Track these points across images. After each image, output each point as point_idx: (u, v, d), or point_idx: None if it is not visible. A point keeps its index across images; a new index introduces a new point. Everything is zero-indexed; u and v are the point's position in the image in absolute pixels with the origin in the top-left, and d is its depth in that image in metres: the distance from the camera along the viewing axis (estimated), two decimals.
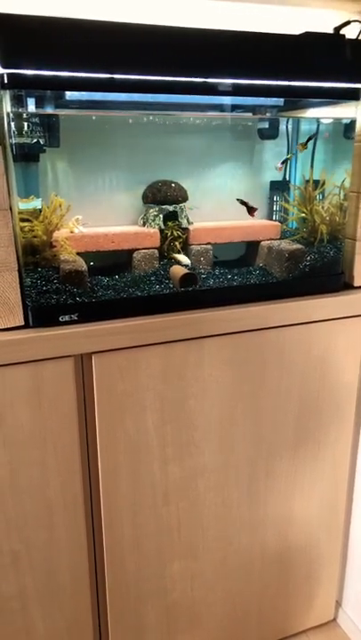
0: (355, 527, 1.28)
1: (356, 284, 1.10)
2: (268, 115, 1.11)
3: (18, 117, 0.85)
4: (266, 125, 1.13)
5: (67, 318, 0.89)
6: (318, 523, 1.23)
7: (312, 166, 1.14)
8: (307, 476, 1.17)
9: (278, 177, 1.19)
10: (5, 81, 0.77)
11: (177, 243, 1.06)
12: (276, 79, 0.90)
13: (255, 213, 1.06)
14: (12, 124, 0.84)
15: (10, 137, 0.84)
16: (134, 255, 1.03)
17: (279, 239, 1.13)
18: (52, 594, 1.00)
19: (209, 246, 1.08)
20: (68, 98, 0.89)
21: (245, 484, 1.11)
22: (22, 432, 0.88)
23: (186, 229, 1.08)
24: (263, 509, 1.15)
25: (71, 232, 0.96)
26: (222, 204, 1.12)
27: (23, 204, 0.88)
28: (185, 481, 1.04)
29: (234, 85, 0.89)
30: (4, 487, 0.90)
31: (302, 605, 1.31)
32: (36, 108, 0.88)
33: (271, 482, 1.13)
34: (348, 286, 1.10)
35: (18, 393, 0.86)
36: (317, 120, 1.13)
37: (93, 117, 1.00)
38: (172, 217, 1.06)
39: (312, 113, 1.11)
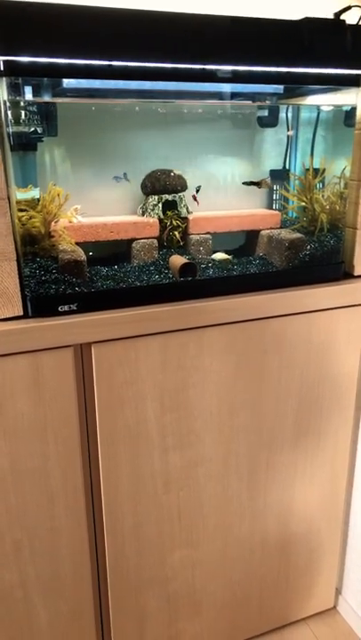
0: (355, 516, 1.29)
1: (356, 273, 1.09)
2: (267, 102, 1.10)
3: (15, 106, 0.84)
4: (265, 113, 1.12)
5: (66, 308, 0.88)
6: (319, 511, 1.24)
7: (312, 154, 1.13)
8: (307, 465, 1.17)
9: (278, 165, 1.18)
10: (2, 68, 0.76)
11: (176, 232, 1.06)
12: (276, 65, 0.89)
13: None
14: (9, 112, 0.83)
15: (7, 126, 0.83)
16: (133, 245, 1.02)
17: (279, 228, 1.12)
18: (53, 582, 1.01)
19: (208, 235, 1.07)
20: (65, 86, 0.88)
21: (246, 473, 1.11)
22: (22, 422, 0.88)
23: (185, 219, 1.07)
24: (263, 498, 1.15)
25: (70, 222, 0.96)
26: (222, 192, 1.12)
27: (21, 194, 0.88)
28: (185, 470, 1.04)
29: (233, 72, 0.88)
30: (6, 477, 0.90)
31: (303, 593, 1.31)
32: (34, 96, 0.87)
33: (272, 471, 1.14)
34: (348, 275, 1.10)
35: (17, 383, 0.86)
36: (317, 107, 1.12)
37: (92, 106, 0.99)
38: (171, 206, 1.06)
39: (312, 100, 1.10)
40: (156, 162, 1.06)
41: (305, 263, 1.06)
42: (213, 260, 1.04)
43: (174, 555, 1.10)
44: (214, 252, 1.08)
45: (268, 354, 1.03)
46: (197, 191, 1.03)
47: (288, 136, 1.15)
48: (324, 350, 1.09)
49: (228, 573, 1.19)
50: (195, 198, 1.04)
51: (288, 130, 1.15)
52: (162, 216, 1.05)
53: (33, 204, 0.89)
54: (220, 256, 1.03)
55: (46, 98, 0.90)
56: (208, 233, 1.07)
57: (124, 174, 1.01)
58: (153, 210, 1.05)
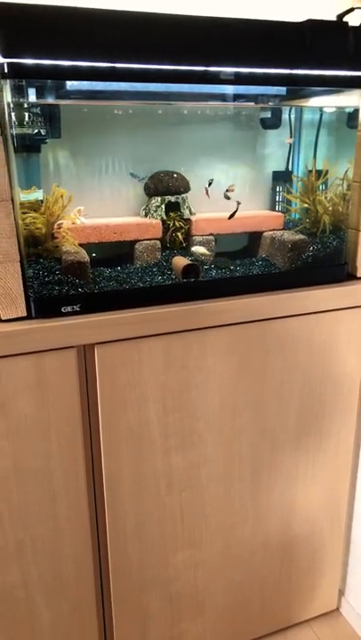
0: (357, 517, 1.29)
1: (359, 274, 1.09)
2: (270, 104, 1.10)
3: (18, 107, 0.85)
4: (268, 115, 1.12)
5: (69, 309, 0.89)
6: (321, 513, 1.24)
7: (315, 156, 1.13)
8: (309, 466, 1.17)
9: (281, 167, 1.18)
10: (6, 70, 0.76)
11: (179, 233, 1.06)
12: (278, 67, 0.89)
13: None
14: (13, 114, 0.83)
15: (11, 127, 0.83)
16: (136, 246, 1.03)
17: (282, 230, 1.12)
18: (56, 582, 1.01)
19: (211, 237, 1.07)
20: (69, 88, 0.89)
21: (248, 474, 1.11)
22: (26, 423, 0.89)
23: (188, 220, 1.07)
24: (266, 499, 1.15)
25: (73, 223, 0.96)
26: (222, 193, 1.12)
27: (24, 195, 0.88)
28: (188, 471, 1.04)
29: (235, 74, 0.88)
30: (9, 478, 0.91)
31: (305, 595, 1.31)
32: (37, 97, 0.87)
33: (274, 472, 1.14)
34: (351, 277, 1.10)
35: (21, 384, 0.86)
36: (320, 109, 1.13)
37: (95, 108, 0.99)
38: (174, 207, 1.06)
39: (315, 102, 1.10)
40: (159, 163, 1.06)
41: (308, 264, 1.06)
42: (194, 252, 1.04)
43: (177, 555, 1.10)
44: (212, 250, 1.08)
45: (270, 355, 1.03)
46: (210, 184, 1.03)
47: (290, 144, 1.15)
48: (327, 351, 1.09)
49: (231, 574, 1.19)
50: (207, 191, 1.04)
51: (290, 135, 1.15)
52: (165, 217, 1.05)
53: (36, 205, 0.90)
54: (200, 250, 1.03)
55: (50, 100, 0.90)
56: (211, 234, 1.08)
57: (131, 173, 1.01)
58: (156, 211, 1.05)
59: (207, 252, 1.03)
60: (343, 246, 1.08)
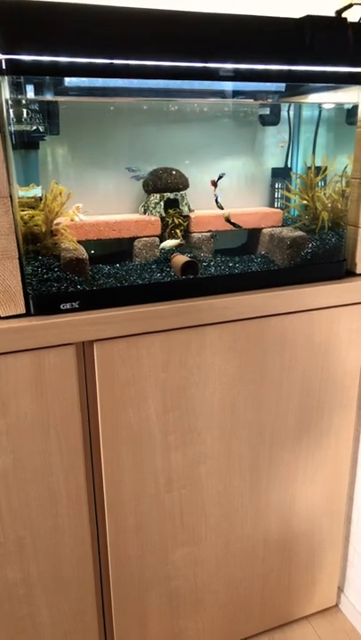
0: (357, 514, 1.29)
1: (358, 271, 1.09)
2: (269, 100, 1.10)
3: (17, 104, 0.84)
4: (267, 112, 1.12)
5: (68, 306, 0.89)
6: (321, 509, 1.24)
7: (314, 153, 1.13)
8: (309, 463, 1.17)
9: (280, 164, 1.18)
10: (4, 67, 0.76)
11: (178, 230, 1.06)
12: (277, 63, 0.89)
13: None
14: (11, 111, 0.83)
15: (9, 124, 0.83)
16: (135, 243, 1.03)
17: (281, 226, 1.12)
18: (56, 581, 1.01)
19: (209, 233, 1.07)
20: (67, 84, 0.88)
21: (247, 471, 1.11)
22: (25, 420, 0.89)
23: (187, 217, 1.07)
24: (265, 496, 1.15)
25: (72, 220, 0.96)
26: (224, 191, 1.12)
27: (23, 192, 0.88)
28: (187, 468, 1.04)
29: (234, 70, 0.88)
30: (8, 476, 0.91)
31: (305, 591, 1.32)
32: (36, 94, 0.87)
33: (274, 469, 1.14)
34: (350, 273, 1.10)
35: (20, 381, 0.86)
36: (319, 106, 1.12)
37: (93, 104, 0.99)
38: (173, 204, 1.06)
39: (314, 98, 1.10)
40: (158, 160, 1.06)
41: (307, 261, 1.06)
42: (164, 248, 1.03)
43: (176, 553, 1.10)
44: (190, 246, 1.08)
45: (269, 352, 1.03)
46: (220, 178, 1.02)
47: (289, 141, 1.15)
48: (326, 348, 1.09)
49: (230, 571, 1.19)
50: (214, 184, 1.03)
51: (289, 132, 1.14)
52: (163, 214, 1.05)
53: (35, 202, 0.89)
54: (170, 243, 1.02)
55: (48, 96, 0.90)
56: (210, 231, 1.07)
57: (127, 168, 1.01)
58: (155, 208, 1.05)
59: (176, 242, 1.02)
60: (342, 243, 1.08)
